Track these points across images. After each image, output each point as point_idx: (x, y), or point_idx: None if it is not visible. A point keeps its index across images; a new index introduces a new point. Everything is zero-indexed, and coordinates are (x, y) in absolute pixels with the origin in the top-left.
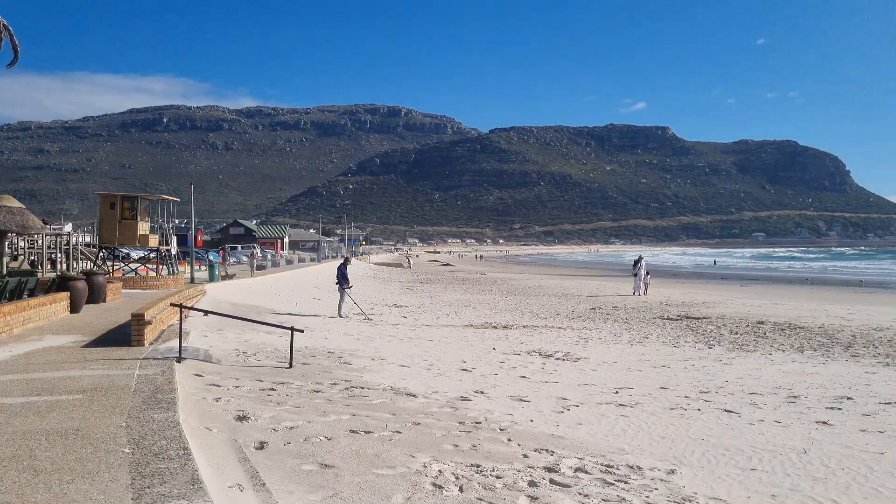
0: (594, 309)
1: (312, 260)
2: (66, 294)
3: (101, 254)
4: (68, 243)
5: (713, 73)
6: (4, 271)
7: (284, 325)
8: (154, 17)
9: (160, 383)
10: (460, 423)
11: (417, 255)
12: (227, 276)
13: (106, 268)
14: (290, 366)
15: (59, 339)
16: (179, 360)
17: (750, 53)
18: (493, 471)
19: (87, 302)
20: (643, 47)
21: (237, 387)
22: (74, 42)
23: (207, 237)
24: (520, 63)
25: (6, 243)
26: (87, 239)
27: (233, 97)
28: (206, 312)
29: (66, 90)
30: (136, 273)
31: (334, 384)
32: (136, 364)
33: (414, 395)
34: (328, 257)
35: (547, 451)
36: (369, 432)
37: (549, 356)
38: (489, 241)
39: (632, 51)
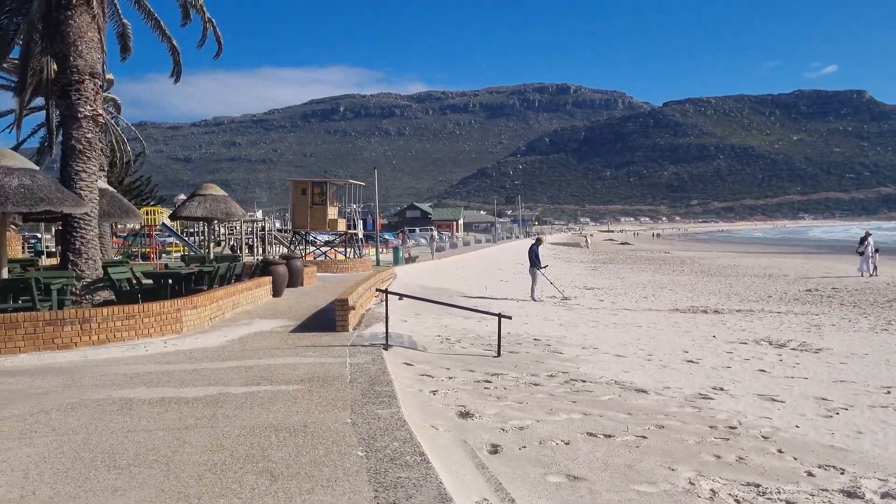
0: (810, 291)
1: (488, 241)
2: (268, 278)
3: (293, 238)
4: (263, 229)
5: None
6: (212, 256)
7: (490, 311)
8: (330, 9)
9: (374, 373)
10: (711, 427)
11: (591, 235)
12: (411, 259)
13: (299, 252)
14: (499, 354)
15: (267, 323)
16: (386, 347)
17: None
18: (779, 493)
19: (287, 286)
20: (831, 5)
21: (450, 378)
22: (258, 39)
23: (384, 220)
24: (692, 31)
25: (212, 230)
26: (277, 225)
27: (403, 84)
28: (402, 296)
29: (253, 85)
30: (325, 256)
31: (551, 376)
32: (346, 351)
33: (644, 391)
34: (503, 238)
35: (834, 467)
36: (610, 436)
37: (783, 346)
38: (664, 218)
39: (817, 10)
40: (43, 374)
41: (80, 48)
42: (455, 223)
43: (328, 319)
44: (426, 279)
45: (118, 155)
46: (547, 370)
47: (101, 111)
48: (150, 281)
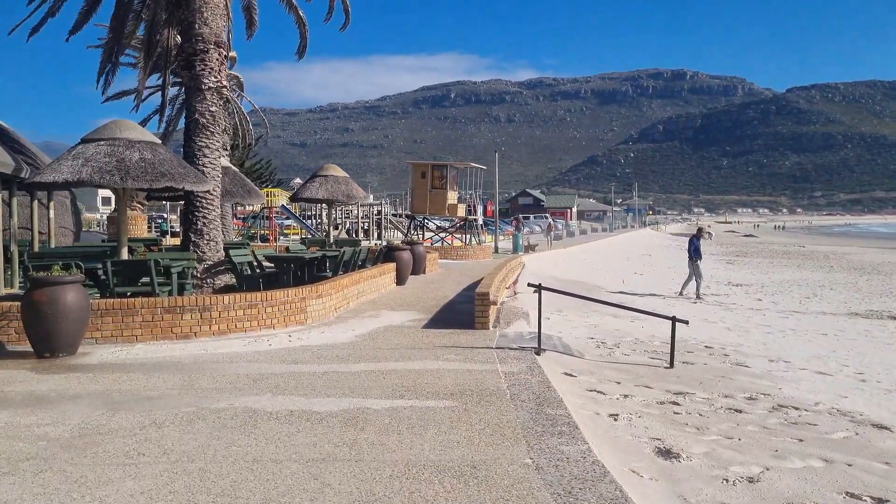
0: None
1: (603, 231)
2: (392, 265)
3: (412, 223)
4: (379, 213)
5: None
6: (331, 241)
7: (651, 310)
8: None
9: (536, 388)
10: None
11: (709, 226)
12: (530, 247)
13: (417, 237)
14: (671, 365)
15: (396, 316)
16: (538, 351)
17: None
18: None
19: (410, 273)
20: None
21: (625, 395)
22: (370, 27)
23: (494, 207)
24: (818, 12)
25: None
26: (386, 209)
27: (512, 70)
28: (558, 292)
29: (365, 72)
30: (442, 242)
31: (751, 399)
32: (493, 356)
33: (885, 428)
34: (619, 228)
35: None
36: (884, 501)
37: None
38: (784, 210)
39: None
40: (158, 370)
41: (205, 15)
42: (568, 211)
43: (462, 314)
44: (557, 270)
45: (240, 135)
46: (741, 390)
47: (225, 83)
48: (272, 265)
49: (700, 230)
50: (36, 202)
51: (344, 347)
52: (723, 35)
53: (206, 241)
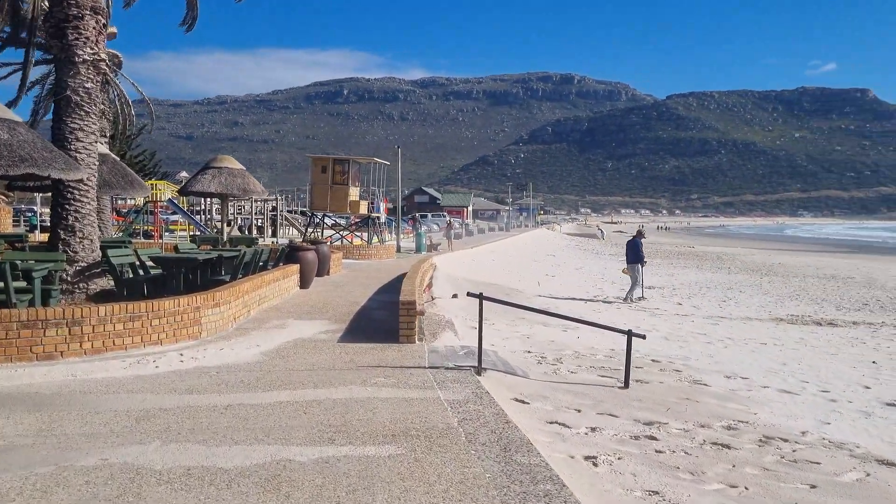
0: None
1: (500, 230)
2: (296, 267)
3: (312, 221)
4: (274, 209)
5: None
6: (225, 239)
7: (589, 320)
8: None
9: (492, 423)
10: None
11: (597, 225)
12: (433, 247)
13: (316, 235)
14: (626, 385)
15: (305, 326)
16: (479, 371)
17: None
18: None
19: (315, 275)
20: (832, 2)
21: (592, 428)
22: (259, 19)
23: (391, 205)
24: (697, 25)
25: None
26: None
27: (405, 69)
28: (483, 300)
29: (255, 66)
30: (342, 241)
31: (731, 428)
32: (429, 377)
33: (893, 464)
34: (516, 227)
35: None
36: None
37: None
38: (664, 211)
39: (818, 7)
40: (10, 405)
41: None
42: (465, 209)
43: (380, 323)
44: (469, 272)
45: (122, 122)
46: (715, 416)
47: (103, 56)
48: (159, 267)
49: (640, 232)
50: None
51: (250, 369)
52: (608, 41)
53: (78, 239)
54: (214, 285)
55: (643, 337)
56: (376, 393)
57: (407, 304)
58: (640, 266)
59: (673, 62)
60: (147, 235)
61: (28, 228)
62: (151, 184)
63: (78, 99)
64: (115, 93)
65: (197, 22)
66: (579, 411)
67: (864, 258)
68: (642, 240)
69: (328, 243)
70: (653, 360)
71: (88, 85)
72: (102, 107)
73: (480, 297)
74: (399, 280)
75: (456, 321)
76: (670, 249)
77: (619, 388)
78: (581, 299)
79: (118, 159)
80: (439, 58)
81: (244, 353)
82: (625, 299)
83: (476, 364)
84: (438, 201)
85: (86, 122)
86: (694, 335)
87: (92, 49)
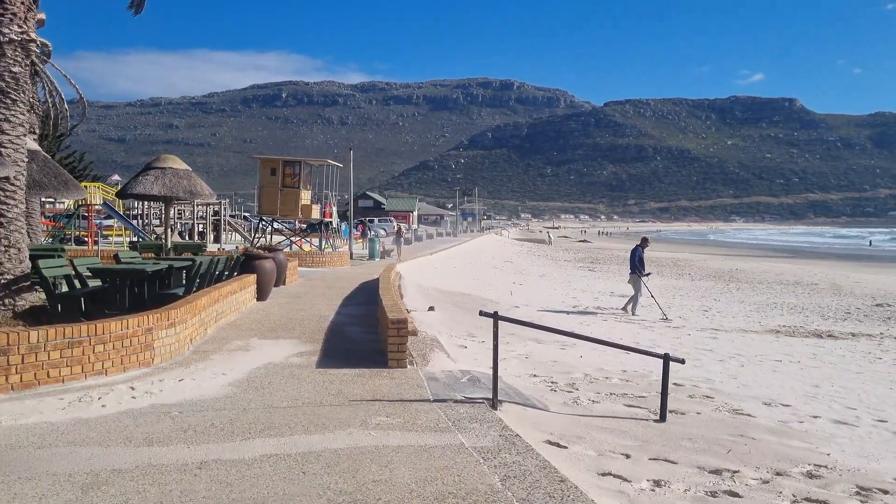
0: (881, 305)
1: (448, 235)
2: (253, 277)
3: (260, 225)
4: (217, 214)
5: (837, 42)
6: (169, 245)
7: (652, 350)
8: None
9: (543, 481)
10: None
11: (541, 230)
12: (385, 253)
13: (264, 241)
14: (663, 418)
15: (273, 347)
16: (494, 404)
17: (878, 20)
18: None
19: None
20: (758, 15)
21: (656, 482)
22: (192, 20)
23: (334, 209)
24: (633, 33)
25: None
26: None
27: (343, 73)
28: (498, 320)
29: (189, 67)
30: (291, 247)
31: (814, 476)
32: (441, 415)
33: None
34: (463, 233)
35: None
36: None
37: None
38: (603, 216)
39: (746, 19)
40: None
41: None
42: (410, 214)
43: (357, 342)
44: (436, 281)
45: (52, 115)
46: (785, 459)
47: (34, 36)
48: (98, 280)
49: (645, 240)
50: None
51: (219, 406)
52: (547, 48)
53: (3, 248)
54: (165, 300)
55: (682, 361)
56: (384, 439)
57: (397, 322)
58: (641, 278)
59: (610, 70)
60: (79, 242)
61: None
62: (85, 186)
63: (3, 85)
64: (45, 85)
65: (145, 5)
66: (628, 456)
67: (810, 263)
68: (645, 249)
69: (282, 251)
70: (675, 384)
71: (16, 69)
72: (32, 99)
73: (495, 316)
74: (363, 290)
75: (441, 339)
76: (620, 255)
77: (655, 420)
78: (562, 311)
79: (49, 157)
80: (377, 62)
81: (209, 383)
82: (623, 309)
83: (489, 396)
84: (383, 206)
85: (12, 112)
86: (700, 351)
87: (20, 27)
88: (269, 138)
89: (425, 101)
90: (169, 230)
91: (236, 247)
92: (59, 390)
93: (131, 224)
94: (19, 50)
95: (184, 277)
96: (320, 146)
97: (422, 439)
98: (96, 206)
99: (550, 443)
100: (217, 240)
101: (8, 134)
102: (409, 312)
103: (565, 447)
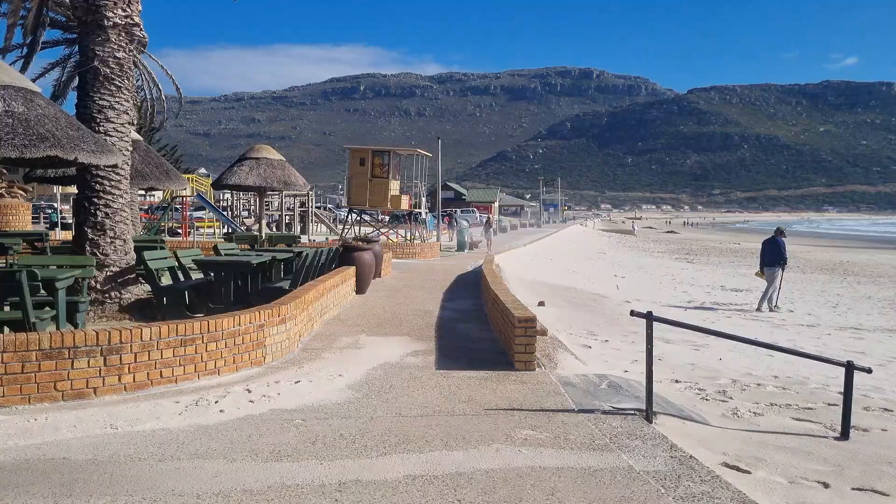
0: None
1: (532, 226)
2: (352, 270)
3: (350, 217)
4: (304, 205)
5: None
6: (263, 237)
7: (831, 357)
8: None
9: None
10: None
11: (623, 221)
12: (474, 245)
13: (349, 233)
14: (845, 435)
15: (384, 345)
16: (648, 416)
17: None
18: None
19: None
20: None
21: None
22: (272, 16)
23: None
24: (716, 18)
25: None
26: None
27: (419, 64)
28: (652, 320)
29: (270, 62)
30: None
31: None
32: (592, 429)
33: None
34: (547, 223)
35: None
36: None
37: None
38: (686, 207)
39: (836, 1)
40: (25, 486)
41: None
42: (491, 205)
43: (469, 340)
44: (536, 274)
45: (149, 106)
46: None
47: (137, 19)
48: (200, 272)
49: (780, 230)
50: None
51: (344, 414)
52: (628, 36)
53: (109, 240)
54: (269, 294)
55: (868, 370)
56: (538, 459)
57: (525, 321)
58: (779, 269)
59: (694, 56)
60: (173, 233)
61: (48, 226)
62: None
63: (108, 71)
64: (143, 77)
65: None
66: (826, 486)
67: None
68: (784, 239)
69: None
70: (840, 393)
71: (120, 55)
72: (134, 81)
73: (649, 316)
74: (461, 283)
75: (560, 337)
76: (715, 246)
77: (836, 438)
78: (677, 307)
79: (151, 147)
80: (452, 52)
81: (327, 386)
82: (758, 308)
83: (639, 407)
84: (464, 196)
85: (117, 99)
86: (850, 354)
87: (124, 11)
88: (348, 130)
89: (503, 92)
90: (262, 221)
91: (326, 237)
92: (173, 391)
93: (223, 215)
94: (123, 34)
95: (286, 270)
96: (398, 138)
97: (581, 460)
98: (190, 199)
99: (728, 466)
100: (303, 231)
101: (113, 122)
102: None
103: (747, 472)
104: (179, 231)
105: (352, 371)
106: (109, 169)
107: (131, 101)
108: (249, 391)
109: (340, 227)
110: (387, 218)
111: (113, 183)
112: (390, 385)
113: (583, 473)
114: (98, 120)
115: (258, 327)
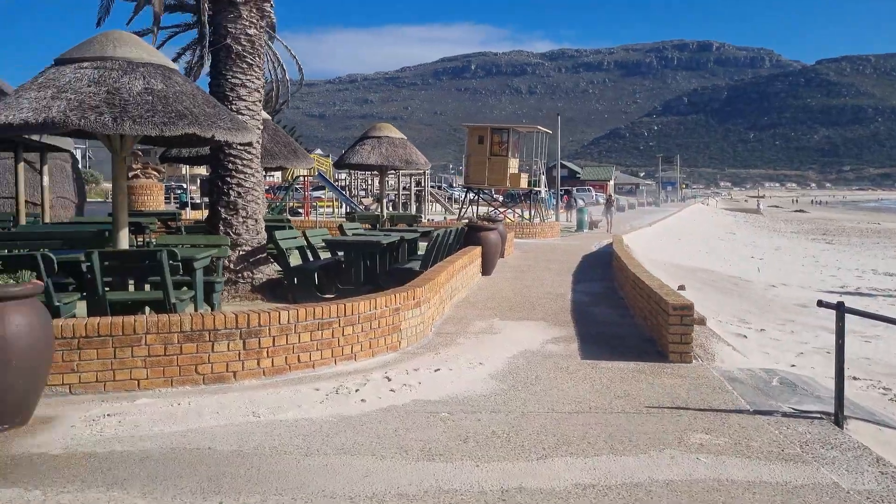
0: None
1: (650, 204)
2: (478, 250)
3: (466, 196)
4: (419, 184)
5: None
6: (384, 217)
7: None
8: None
9: None
10: None
11: (746, 200)
12: (594, 224)
13: (466, 212)
14: None
15: (520, 330)
16: (838, 420)
17: None
18: None
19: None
20: None
21: None
22: None
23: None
24: None
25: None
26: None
27: (529, 41)
28: (846, 312)
29: (380, 43)
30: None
31: None
32: (777, 435)
33: None
34: (665, 202)
35: None
36: None
37: None
38: (813, 184)
39: None
40: (173, 478)
41: None
42: (606, 184)
43: (608, 325)
44: (666, 255)
45: (276, 88)
46: None
47: None
48: (328, 252)
49: None
50: (21, 165)
51: (491, 407)
52: (750, 6)
53: (241, 219)
54: (400, 275)
55: None
56: (721, 469)
57: (680, 308)
58: None
59: (822, 25)
60: (293, 213)
61: (178, 206)
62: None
63: (240, 48)
64: (269, 58)
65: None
66: None
67: None
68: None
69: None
70: None
71: (251, 31)
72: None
73: (841, 307)
74: (588, 264)
75: (709, 323)
76: (852, 227)
77: None
78: (829, 291)
79: (279, 126)
80: (564, 28)
81: (468, 375)
82: None
83: (823, 408)
84: (578, 175)
85: (248, 77)
86: None
87: None
88: (459, 110)
89: (616, 67)
90: (384, 200)
91: (443, 216)
92: (311, 377)
93: (343, 195)
94: (254, 11)
95: (410, 250)
96: (508, 116)
97: (773, 473)
98: (310, 178)
99: None
100: (419, 210)
101: (245, 100)
102: None
103: None
104: (300, 210)
105: (492, 359)
106: (242, 148)
107: (262, 80)
108: (389, 379)
109: (455, 206)
110: (500, 197)
111: (245, 162)
112: (536, 376)
113: (781, 491)
114: (230, 98)
115: (394, 311)
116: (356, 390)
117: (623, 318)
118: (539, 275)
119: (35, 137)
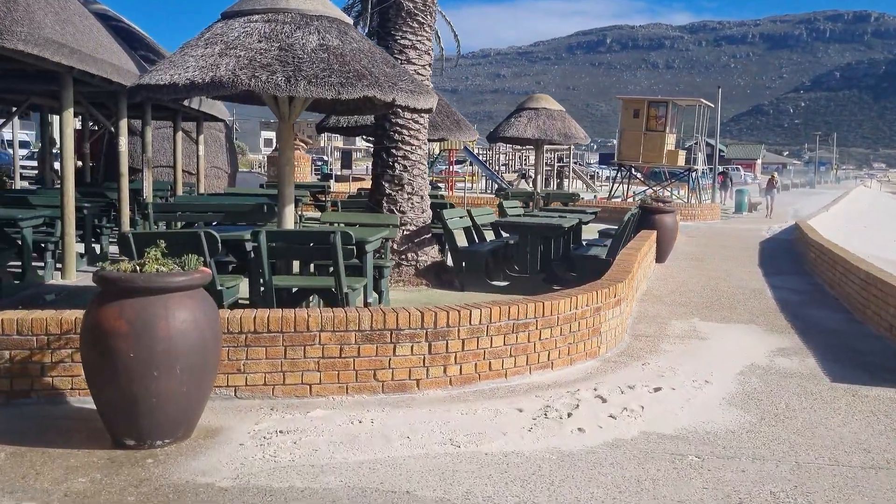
0: None
1: (805, 186)
2: (654, 235)
3: (618, 174)
4: (561, 160)
5: None
6: (538, 195)
7: None
8: None
9: None
10: None
11: None
12: (753, 206)
13: (616, 190)
14: None
15: (733, 337)
16: None
17: None
18: None
19: None
20: None
21: None
22: None
23: None
24: None
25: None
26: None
27: (667, 14)
28: None
29: (513, 17)
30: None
31: None
32: None
33: None
34: (818, 183)
35: None
36: None
37: None
38: None
39: None
40: None
41: None
42: (754, 163)
43: (837, 335)
44: (862, 245)
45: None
46: None
47: None
48: (492, 234)
49: None
50: (180, 134)
51: (749, 452)
52: None
53: (406, 196)
54: (582, 264)
55: None
56: None
57: None
58: None
59: None
60: (435, 188)
61: (319, 178)
62: None
63: (411, 6)
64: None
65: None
66: None
67: None
68: None
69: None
70: None
71: None
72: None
73: None
74: (768, 252)
75: None
76: None
77: None
78: None
79: (439, 95)
80: (705, 0)
81: (697, 397)
82: None
83: None
84: (723, 153)
85: (419, 38)
86: None
87: None
88: (592, 85)
89: (762, 40)
90: (539, 177)
91: (594, 196)
92: (504, 389)
93: (490, 171)
94: None
95: (577, 234)
96: (644, 91)
97: None
98: (456, 152)
99: None
100: (560, 187)
101: (414, 63)
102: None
103: None
104: (440, 185)
105: (717, 375)
106: (410, 116)
107: (431, 42)
108: (603, 400)
109: (596, 184)
110: (639, 175)
111: (412, 132)
112: (785, 404)
113: None
114: (400, 61)
115: (595, 310)
116: (568, 414)
117: (851, 324)
118: (719, 264)
119: (194, 105)
